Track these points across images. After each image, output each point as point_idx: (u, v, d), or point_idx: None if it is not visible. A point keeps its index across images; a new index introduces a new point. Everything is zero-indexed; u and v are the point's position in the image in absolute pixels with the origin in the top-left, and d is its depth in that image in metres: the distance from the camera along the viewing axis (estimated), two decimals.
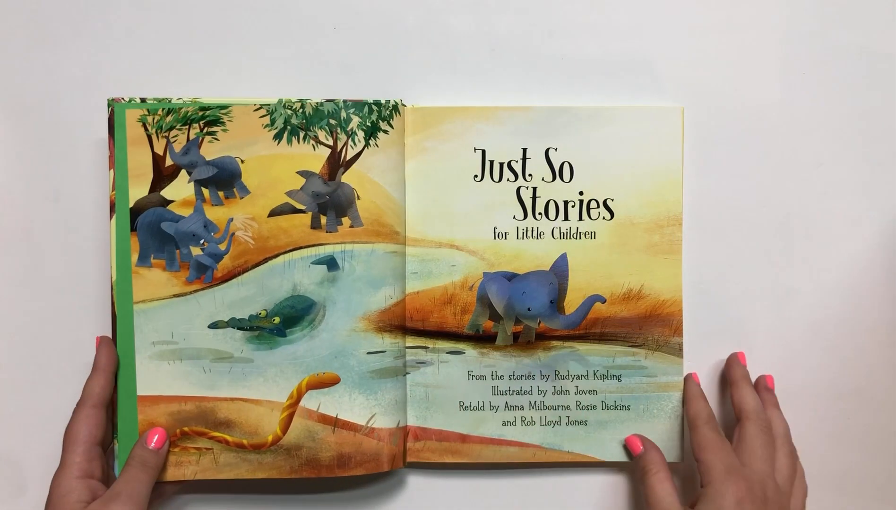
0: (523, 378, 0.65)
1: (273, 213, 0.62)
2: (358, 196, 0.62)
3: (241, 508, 0.66)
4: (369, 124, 0.62)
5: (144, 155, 0.62)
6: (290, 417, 0.62)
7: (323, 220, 0.62)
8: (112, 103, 0.61)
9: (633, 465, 0.65)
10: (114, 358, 0.62)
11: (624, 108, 0.65)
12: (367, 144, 0.62)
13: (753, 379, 0.66)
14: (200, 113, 0.61)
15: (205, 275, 0.62)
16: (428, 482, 0.67)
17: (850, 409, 0.68)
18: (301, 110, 0.62)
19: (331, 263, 0.62)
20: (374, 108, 0.62)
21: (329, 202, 0.62)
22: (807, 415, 0.67)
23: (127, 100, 0.61)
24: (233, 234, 0.62)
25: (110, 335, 0.62)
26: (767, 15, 0.66)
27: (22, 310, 0.66)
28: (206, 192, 0.62)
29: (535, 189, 0.65)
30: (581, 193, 0.65)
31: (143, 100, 0.61)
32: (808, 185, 0.67)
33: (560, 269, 0.65)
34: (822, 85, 0.67)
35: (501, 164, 0.65)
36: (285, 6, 0.66)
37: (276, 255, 0.62)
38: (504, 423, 0.65)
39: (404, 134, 0.64)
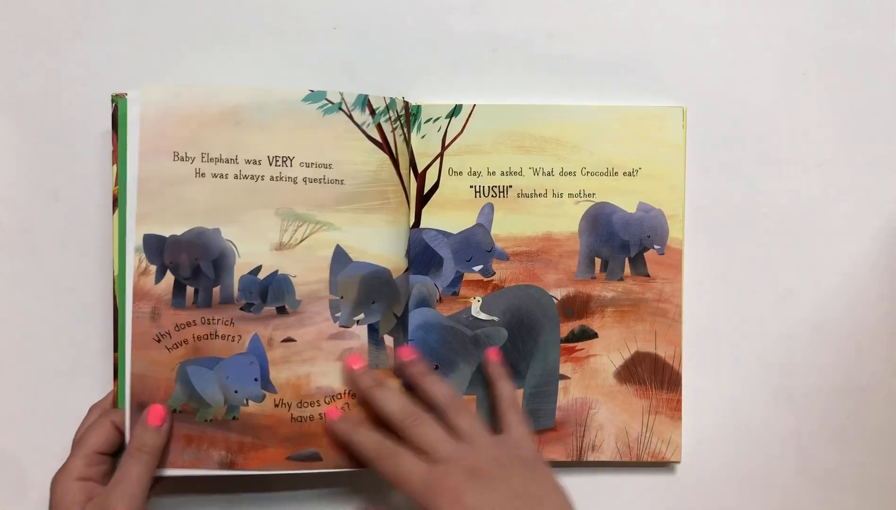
0: None
1: None
2: None
3: (239, 506, 0.66)
4: None
5: None
6: None
7: None
8: (116, 99, 0.62)
9: None
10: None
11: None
12: None
13: None
14: None
15: None
16: None
17: (851, 409, 0.67)
18: None
19: None
20: None
21: None
22: (807, 415, 0.67)
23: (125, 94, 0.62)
24: None
25: (111, 331, 0.63)
26: (767, 15, 0.67)
27: (22, 310, 0.66)
28: None
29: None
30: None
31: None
32: (808, 185, 0.67)
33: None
34: (822, 85, 0.67)
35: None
36: (285, 6, 0.66)
37: None
38: None
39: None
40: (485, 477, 0.55)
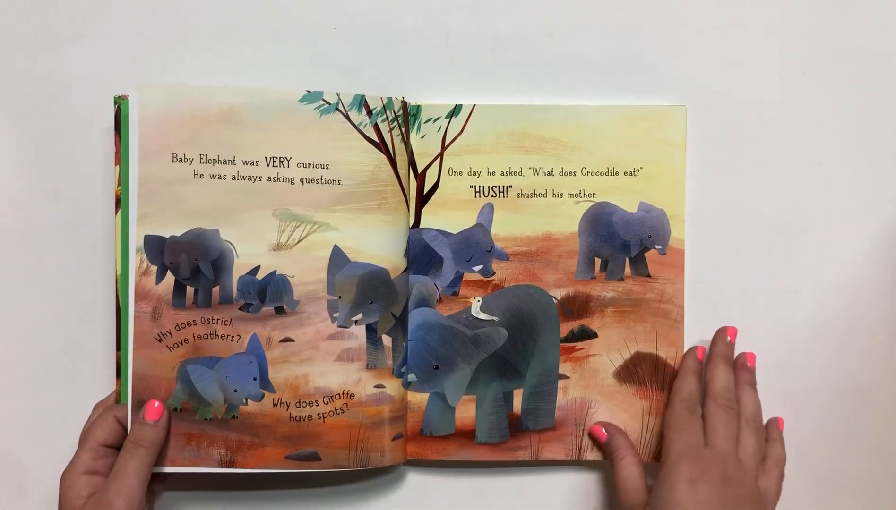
0: None
1: None
2: None
3: (239, 504, 0.67)
4: None
5: None
6: None
7: None
8: (118, 100, 0.62)
9: (604, 452, 0.66)
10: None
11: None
12: None
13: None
14: None
15: None
16: (427, 479, 0.67)
17: (851, 409, 0.67)
18: None
19: None
20: None
21: None
22: (807, 415, 0.67)
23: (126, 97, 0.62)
24: None
25: (111, 330, 0.63)
26: (767, 15, 0.66)
27: (22, 310, 0.67)
28: None
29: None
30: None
31: None
32: (808, 185, 0.67)
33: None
34: (822, 85, 0.66)
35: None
36: (285, 6, 0.66)
37: None
38: None
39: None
40: (728, 491, 0.58)
